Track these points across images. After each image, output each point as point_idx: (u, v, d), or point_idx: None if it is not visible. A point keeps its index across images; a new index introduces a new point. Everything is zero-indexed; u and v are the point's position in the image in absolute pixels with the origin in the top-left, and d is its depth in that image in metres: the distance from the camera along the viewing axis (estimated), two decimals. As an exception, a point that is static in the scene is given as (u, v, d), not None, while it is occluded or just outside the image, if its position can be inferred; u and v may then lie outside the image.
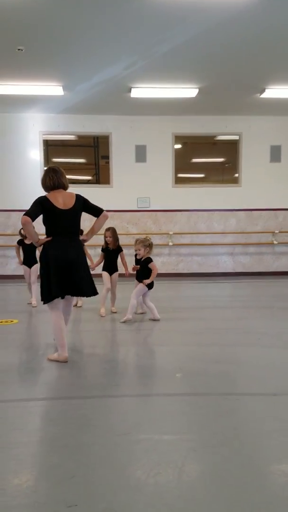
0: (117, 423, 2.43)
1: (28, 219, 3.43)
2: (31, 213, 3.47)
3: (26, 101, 8.63)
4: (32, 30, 5.78)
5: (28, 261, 6.29)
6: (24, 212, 3.48)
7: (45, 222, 3.60)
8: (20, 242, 6.33)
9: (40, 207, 3.52)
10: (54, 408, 2.68)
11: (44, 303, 3.59)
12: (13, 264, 9.44)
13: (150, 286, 5.11)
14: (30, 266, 6.28)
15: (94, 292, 3.69)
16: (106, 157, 9.91)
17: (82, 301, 6.11)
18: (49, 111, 9.37)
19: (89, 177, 10.32)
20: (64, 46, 6.32)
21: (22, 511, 1.66)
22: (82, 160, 10.61)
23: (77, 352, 3.88)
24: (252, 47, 6.39)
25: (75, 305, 5.93)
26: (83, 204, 3.67)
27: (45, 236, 3.62)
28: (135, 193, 9.75)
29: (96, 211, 3.74)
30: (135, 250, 5.25)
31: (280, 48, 6.41)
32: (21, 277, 6.60)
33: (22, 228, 6.40)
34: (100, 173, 10.12)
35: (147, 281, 5.03)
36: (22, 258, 6.39)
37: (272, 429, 2.34)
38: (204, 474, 1.93)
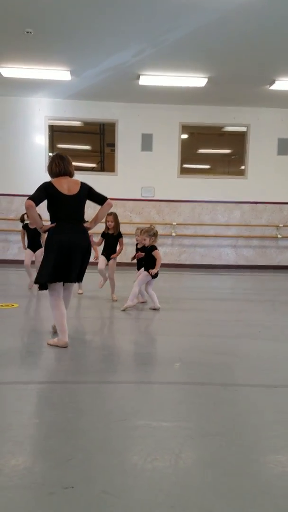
0: (114, 409, 2.43)
1: (32, 203, 3.42)
2: (35, 198, 3.46)
3: (32, 85, 8.56)
4: (41, 12, 5.71)
5: (33, 246, 6.31)
6: (28, 197, 3.47)
7: (49, 208, 3.58)
8: (25, 227, 6.36)
9: (45, 192, 3.51)
10: (52, 392, 2.68)
11: (40, 289, 3.60)
12: (15, 249, 9.45)
13: (155, 275, 5.08)
14: (34, 250, 6.30)
15: (79, 279, 3.70)
16: (112, 145, 9.85)
17: (82, 289, 6.11)
18: (55, 96, 9.29)
19: (93, 165, 10.26)
20: (73, 31, 6.24)
21: (19, 491, 1.67)
22: (87, 147, 10.55)
23: (76, 338, 3.88)
24: (263, 38, 6.30)
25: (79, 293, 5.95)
26: (88, 192, 3.66)
27: (49, 222, 3.61)
28: (140, 182, 9.70)
29: (100, 199, 3.73)
30: (138, 240, 5.22)
31: (291, 38, 6.31)
32: (22, 261, 6.59)
33: (24, 213, 6.41)
34: (105, 161, 10.06)
35: (154, 271, 4.99)
36: (26, 243, 6.41)
37: (271, 420, 2.33)
38: (200, 462, 1.93)
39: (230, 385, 2.84)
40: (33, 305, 5.56)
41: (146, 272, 5.04)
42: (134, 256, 5.59)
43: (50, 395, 2.64)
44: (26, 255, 6.33)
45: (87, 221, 3.77)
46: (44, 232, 3.65)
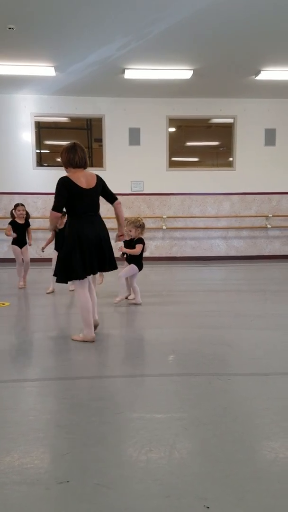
0: (109, 403, 2.45)
1: (58, 215, 3.59)
2: (60, 206, 3.51)
3: (17, 81, 8.48)
4: (23, 8, 5.64)
5: (20, 242, 6.25)
6: (52, 207, 3.53)
7: (68, 201, 3.54)
8: (13, 223, 6.28)
9: (65, 190, 3.48)
10: (46, 389, 2.69)
11: (61, 281, 3.67)
12: (4, 247, 9.39)
13: (139, 267, 5.06)
14: (21, 246, 6.25)
15: (115, 266, 3.75)
16: (99, 140, 9.81)
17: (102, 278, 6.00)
18: (41, 92, 9.21)
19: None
20: (56, 26, 6.18)
21: (14, 488, 1.68)
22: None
23: (67, 334, 3.88)
24: (247, 28, 6.28)
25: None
26: (102, 186, 3.68)
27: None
28: (129, 176, 9.69)
29: (110, 197, 3.77)
30: (127, 231, 5.19)
31: (276, 29, 6.31)
32: (13, 260, 6.55)
33: (13, 209, 6.37)
34: (93, 156, 10.01)
35: (122, 249, 4.99)
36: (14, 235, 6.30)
37: (263, 408, 2.36)
38: (194, 451, 1.95)
39: (222, 374, 2.87)
40: (26, 303, 5.55)
41: (133, 265, 5.02)
42: (120, 248, 5.51)
43: (44, 392, 2.65)
44: (17, 253, 6.26)
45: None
46: (52, 231, 3.69)
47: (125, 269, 5.05)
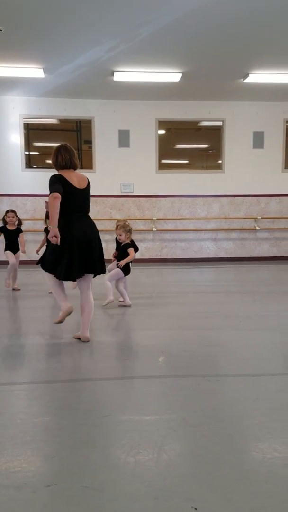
0: (98, 406, 2.44)
1: (58, 194, 3.39)
2: (58, 188, 3.42)
3: (5, 83, 8.43)
4: (11, 10, 5.61)
5: (12, 248, 6.20)
6: (50, 192, 3.43)
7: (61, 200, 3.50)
8: (3, 229, 6.23)
9: (60, 183, 3.46)
10: (35, 392, 2.67)
11: (43, 268, 3.66)
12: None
13: (126, 272, 5.05)
14: (14, 252, 6.20)
15: (103, 270, 3.73)
16: (89, 142, 9.79)
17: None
18: (29, 94, 9.18)
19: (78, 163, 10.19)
20: (45, 27, 6.16)
21: (1, 491, 1.66)
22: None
23: (57, 337, 3.86)
24: (235, 31, 6.33)
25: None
26: (89, 189, 3.71)
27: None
28: (119, 178, 9.68)
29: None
30: (117, 235, 5.20)
31: (263, 32, 6.37)
32: (1, 263, 6.50)
33: (5, 216, 6.31)
34: (83, 158, 9.99)
35: (121, 263, 4.97)
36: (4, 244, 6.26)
37: (251, 409, 2.38)
38: (183, 453, 1.95)
39: (211, 376, 2.88)
40: (16, 305, 5.51)
41: (118, 269, 5.02)
42: (114, 256, 5.49)
43: (32, 395, 2.63)
44: (10, 256, 6.19)
45: None
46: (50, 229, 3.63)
47: (110, 273, 5.04)
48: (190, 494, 1.64)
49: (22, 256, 6.31)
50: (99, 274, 3.73)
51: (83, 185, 3.60)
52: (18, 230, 6.25)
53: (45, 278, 3.73)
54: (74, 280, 3.63)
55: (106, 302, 4.97)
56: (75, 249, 3.48)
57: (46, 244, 5.72)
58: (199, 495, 1.63)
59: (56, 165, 3.59)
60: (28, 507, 1.58)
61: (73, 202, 3.53)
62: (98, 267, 3.66)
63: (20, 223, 6.30)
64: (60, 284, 3.65)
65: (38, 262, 3.74)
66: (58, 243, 3.43)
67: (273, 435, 2.09)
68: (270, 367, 3.07)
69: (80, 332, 3.70)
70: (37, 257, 6.29)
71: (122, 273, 5.03)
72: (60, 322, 3.75)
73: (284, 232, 10.22)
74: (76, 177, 3.58)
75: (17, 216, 6.31)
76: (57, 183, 3.46)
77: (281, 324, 4.27)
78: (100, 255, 3.69)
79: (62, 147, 3.61)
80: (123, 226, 5.08)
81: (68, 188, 3.49)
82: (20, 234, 6.27)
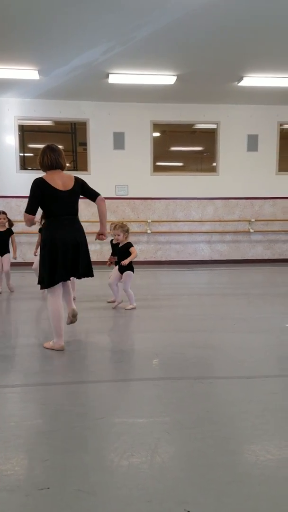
0: (91, 408, 2.44)
1: (31, 217, 3.42)
2: (33, 209, 3.41)
3: (0, 84, 8.41)
4: (6, 11, 5.61)
5: (0, 250, 6.15)
6: (25, 210, 3.42)
7: (43, 204, 3.46)
8: None
9: (39, 192, 3.40)
10: (28, 395, 2.66)
11: (42, 288, 3.56)
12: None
13: (131, 270, 5.05)
14: (2, 254, 6.15)
15: (90, 274, 3.63)
16: (84, 144, 9.79)
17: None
18: (24, 95, 9.16)
19: (66, 164, 10.18)
20: (39, 29, 6.15)
21: (-6, 496, 1.65)
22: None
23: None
24: (230, 35, 6.36)
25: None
26: (81, 187, 3.59)
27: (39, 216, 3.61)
28: (113, 180, 9.69)
29: (92, 195, 3.68)
30: (114, 235, 5.19)
31: (258, 36, 6.41)
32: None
33: None
34: (77, 160, 9.99)
35: (125, 261, 4.96)
36: None
37: (244, 411, 2.38)
38: (176, 456, 1.95)
39: (205, 378, 2.88)
40: (4, 308, 5.48)
41: (129, 272, 5.01)
42: (110, 262, 5.48)
43: (25, 398, 2.62)
44: None
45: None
46: (33, 224, 3.57)
47: (124, 281, 5.02)
48: (183, 496, 1.64)
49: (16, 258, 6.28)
50: (84, 277, 3.63)
51: (68, 186, 3.47)
52: (9, 232, 6.21)
53: (48, 307, 3.54)
54: (57, 282, 3.47)
55: (131, 307, 4.98)
56: (59, 253, 3.38)
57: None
58: (192, 498, 1.63)
59: (42, 166, 3.51)
60: (20, 511, 1.57)
61: (56, 206, 3.43)
62: (82, 271, 3.55)
63: (11, 224, 6.26)
64: (61, 319, 3.49)
65: (39, 283, 3.61)
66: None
67: (266, 437, 2.10)
68: (264, 369, 3.08)
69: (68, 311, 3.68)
70: (31, 258, 6.30)
71: (132, 274, 5.03)
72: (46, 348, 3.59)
73: (277, 235, 10.28)
74: (60, 178, 3.47)
75: (7, 217, 6.26)
76: (34, 193, 3.39)
77: (274, 326, 4.29)
78: (87, 259, 3.58)
79: (48, 147, 3.54)
80: (121, 226, 5.07)
81: (50, 192, 3.39)
82: (12, 237, 6.23)
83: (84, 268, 3.56)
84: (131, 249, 5.05)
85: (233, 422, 2.27)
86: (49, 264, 3.40)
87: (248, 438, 2.10)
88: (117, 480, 1.74)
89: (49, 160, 3.47)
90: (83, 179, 3.68)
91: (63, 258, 3.40)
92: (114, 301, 5.18)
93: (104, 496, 1.64)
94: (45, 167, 3.51)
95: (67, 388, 2.75)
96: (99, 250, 9.04)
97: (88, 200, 3.80)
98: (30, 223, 3.51)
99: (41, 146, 3.60)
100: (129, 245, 5.08)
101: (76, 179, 3.58)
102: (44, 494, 1.65)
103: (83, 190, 3.62)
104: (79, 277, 3.65)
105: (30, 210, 3.42)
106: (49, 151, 3.50)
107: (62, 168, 3.56)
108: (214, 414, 2.34)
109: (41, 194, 3.40)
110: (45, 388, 2.74)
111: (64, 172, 3.59)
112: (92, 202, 3.76)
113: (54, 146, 3.56)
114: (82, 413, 2.35)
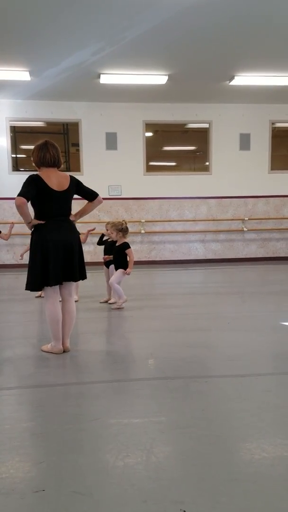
0: (86, 410, 2.43)
1: (23, 200, 3.11)
2: (26, 193, 3.14)
3: (-9, 86, 8.38)
4: (-5, 11, 5.59)
5: None
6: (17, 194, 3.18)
7: (35, 203, 3.30)
8: None
9: (34, 186, 3.20)
10: (23, 397, 2.65)
11: (26, 289, 3.37)
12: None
13: (124, 269, 5.03)
14: None
15: (83, 277, 3.53)
16: (76, 145, 9.78)
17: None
18: (15, 97, 9.14)
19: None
20: (30, 30, 6.14)
21: (-12, 499, 1.64)
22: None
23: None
24: (221, 34, 6.39)
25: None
26: (76, 186, 3.46)
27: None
28: (106, 181, 9.68)
29: (90, 195, 3.54)
30: (109, 233, 5.16)
31: (249, 35, 6.44)
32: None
33: None
34: (70, 161, 9.97)
35: (129, 271, 4.95)
36: None
37: (239, 409, 2.39)
38: (171, 455, 1.95)
39: (200, 377, 2.88)
40: (0, 309, 5.46)
41: (122, 270, 4.99)
42: (104, 258, 5.47)
43: (20, 400, 2.61)
44: None
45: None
46: (31, 228, 3.38)
47: (114, 277, 5.00)
48: (179, 496, 1.64)
49: (10, 260, 6.26)
50: (79, 280, 3.55)
51: (64, 186, 3.32)
52: None
53: (46, 310, 3.44)
54: (49, 285, 3.33)
55: (121, 303, 4.95)
56: (51, 255, 3.26)
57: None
58: (188, 497, 1.63)
59: (42, 162, 3.31)
60: (15, 514, 1.56)
61: (50, 206, 3.29)
62: (77, 275, 3.44)
63: None
64: (59, 322, 3.39)
65: (26, 288, 3.39)
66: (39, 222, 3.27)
67: (261, 435, 2.10)
68: (258, 368, 3.09)
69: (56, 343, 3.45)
70: (25, 260, 6.25)
71: (125, 275, 5.00)
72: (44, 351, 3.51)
73: (271, 233, 10.32)
74: (56, 177, 3.31)
75: None
76: (30, 185, 3.20)
77: (268, 325, 4.30)
78: (81, 262, 3.48)
79: (48, 143, 3.35)
80: (115, 225, 5.02)
81: (44, 190, 3.24)
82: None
83: (78, 271, 3.46)
84: (128, 251, 5.00)
85: (228, 420, 2.27)
86: (40, 266, 3.27)
87: (243, 437, 2.10)
88: (112, 481, 1.74)
89: (51, 156, 3.30)
90: (73, 176, 3.57)
91: (55, 260, 3.27)
92: (107, 301, 5.19)
93: (100, 497, 1.64)
94: (44, 164, 3.32)
95: (62, 390, 2.74)
96: (93, 251, 9.03)
97: (80, 200, 3.76)
98: (23, 209, 3.17)
99: (34, 147, 3.47)
100: (126, 246, 5.03)
101: (71, 178, 3.45)
102: (40, 497, 1.65)
103: (78, 189, 3.49)
104: (75, 280, 3.51)
105: (24, 194, 3.15)
106: (51, 147, 3.33)
107: (60, 166, 3.42)
108: (209, 413, 2.34)
109: (35, 187, 3.22)
110: (40, 390, 2.73)
111: (59, 171, 3.45)
112: (84, 203, 3.64)
113: (54, 143, 3.41)
114: (77, 415, 2.35)
